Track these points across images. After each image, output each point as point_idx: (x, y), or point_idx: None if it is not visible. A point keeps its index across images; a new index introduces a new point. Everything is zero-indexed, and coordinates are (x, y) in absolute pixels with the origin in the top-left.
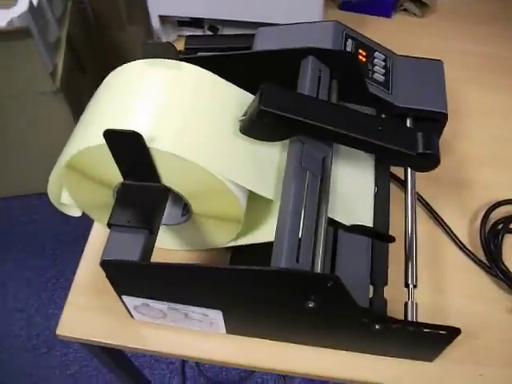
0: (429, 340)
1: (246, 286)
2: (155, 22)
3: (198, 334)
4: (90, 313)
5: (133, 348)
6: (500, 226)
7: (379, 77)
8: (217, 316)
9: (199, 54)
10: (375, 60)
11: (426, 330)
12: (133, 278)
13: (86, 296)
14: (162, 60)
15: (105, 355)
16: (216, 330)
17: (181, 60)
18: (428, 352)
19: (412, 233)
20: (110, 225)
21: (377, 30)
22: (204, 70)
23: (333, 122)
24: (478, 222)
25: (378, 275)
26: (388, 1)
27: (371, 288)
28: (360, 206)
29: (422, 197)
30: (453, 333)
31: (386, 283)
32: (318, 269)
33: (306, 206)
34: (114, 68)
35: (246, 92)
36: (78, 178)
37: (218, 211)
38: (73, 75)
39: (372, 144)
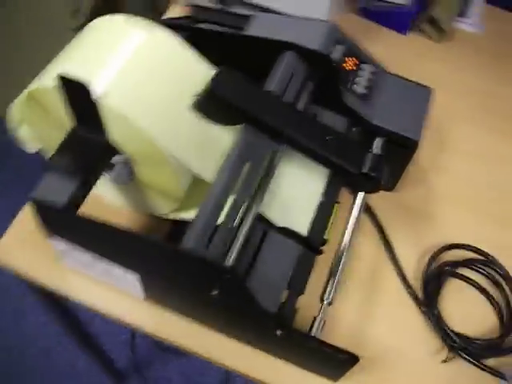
0: (330, 360)
1: (157, 258)
2: None
3: (120, 293)
4: (27, 246)
5: (55, 290)
6: (446, 269)
7: (359, 89)
8: (134, 279)
9: (198, 25)
10: (360, 71)
11: (325, 349)
12: (57, 221)
13: (27, 229)
14: (141, 20)
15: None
16: (136, 293)
17: (163, 24)
18: (331, 371)
19: (344, 249)
20: (47, 165)
21: (386, 43)
22: (177, 40)
23: (279, 120)
24: (427, 258)
25: (296, 283)
26: (405, 17)
27: (286, 294)
28: (298, 211)
29: (376, 217)
30: (351, 359)
31: (301, 293)
32: (231, 259)
33: (236, 195)
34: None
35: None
36: (38, 111)
37: (158, 184)
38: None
39: (315, 152)
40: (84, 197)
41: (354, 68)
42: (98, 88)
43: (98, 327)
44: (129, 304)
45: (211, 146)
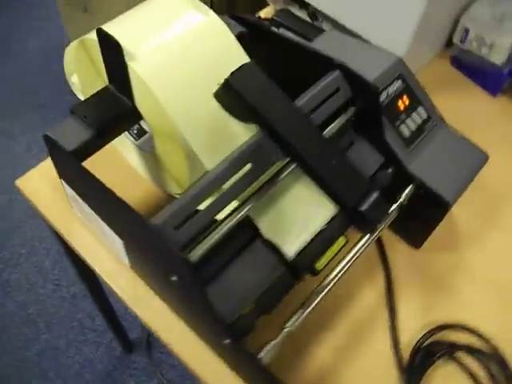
0: None
1: (132, 227)
2: None
3: (112, 256)
4: (49, 184)
5: (58, 231)
6: (444, 347)
7: (406, 131)
8: (120, 243)
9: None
10: (414, 114)
11: (264, 376)
12: (64, 165)
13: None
14: (198, 1)
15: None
16: (123, 258)
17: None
18: None
19: (328, 283)
20: (71, 111)
21: (469, 99)
22: (226, 29)
23: (287, 131)
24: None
25: (265, 301)
26: (497, 77)
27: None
28: (292, 231)
29: (389, 269)
30: None
31: (267, 312)
32: (200, 251)
33: (227, 191)
34: None
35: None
36: (86, 62)
37: (170, 163)
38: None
39: (315, 172)
40: (94, 150)
41: (408, 109)
42: (130, 50)
43: None
44: (115, 267)
45: (226, 140)
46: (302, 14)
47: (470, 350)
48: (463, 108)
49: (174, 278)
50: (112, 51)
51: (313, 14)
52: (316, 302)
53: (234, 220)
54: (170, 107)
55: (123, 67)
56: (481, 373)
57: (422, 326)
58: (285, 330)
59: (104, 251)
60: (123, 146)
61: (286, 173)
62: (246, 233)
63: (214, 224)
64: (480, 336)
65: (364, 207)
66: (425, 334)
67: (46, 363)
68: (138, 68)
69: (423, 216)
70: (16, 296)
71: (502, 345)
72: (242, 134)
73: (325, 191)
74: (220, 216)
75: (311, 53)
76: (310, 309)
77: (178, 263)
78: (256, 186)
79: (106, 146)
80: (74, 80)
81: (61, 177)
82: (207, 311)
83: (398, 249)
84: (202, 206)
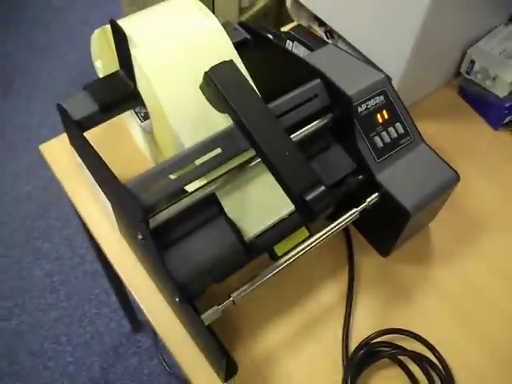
0: (212, 355)
1: (111, 188)
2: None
3: (109, 221)
4: (66, 151)
5: (63, 188)
6: (389, 348)
7: (379, 142)
8: (110, 207)
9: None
10: (390, 128)
11: (207, 338)
12: (70, 132)
13: None
14: (204, 8)
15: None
16: (114, 223)
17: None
18: (217, 369)
19: (278, 266)
20: (84, 87)
21: (469, 130)
22: (224, 33)
23: (250, 120)
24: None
25: (218, 271)
26: (499, 110)
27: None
28: (255, 214)
29: (353, 271)
30: (230, 366)
31: (217, 281)
32: (163, 217)
33: (195, 168)
34: None
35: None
36: (107, 48)
37: (161, 147)
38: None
39: (268, 161)
40: (96, 123)
41: (385, 123)
42: (134, 40)
43: None
44: (111, 233)
45: (206, 127)
46: (321, 32)
47: (416, 357)
48: (461, 136)
49: (140, 237)
50: (120, 40)
51: (329, 32)
52: (262, 280)
53: (201, 194)
54: (161, 94)
55: (128, 54)
56: (422, 381)
57: (375, 327)
58: (230, 299)
59: (102, 216)
60: (132, 127)
61: (255, 162)
62: (212, 209)
63: (182, 195)
64: (430, 347)
65: (308, 197)
66: (375, 332)
67: (60, 328)
68: (139, 56)
69: (388, 225)
70: (44, 263)
71: (450, 359)
72: (221, 123)
73: (276, 179)
74: (189, 188)
75: (301, 62)
76: (255, 285)
77: (139, 222)
78: (223, 168)
79: (122, 127)
80: (98, 65)
81: (70, 143)
82: (162, 270)
83: (369, 255)
84: (172, 177)
